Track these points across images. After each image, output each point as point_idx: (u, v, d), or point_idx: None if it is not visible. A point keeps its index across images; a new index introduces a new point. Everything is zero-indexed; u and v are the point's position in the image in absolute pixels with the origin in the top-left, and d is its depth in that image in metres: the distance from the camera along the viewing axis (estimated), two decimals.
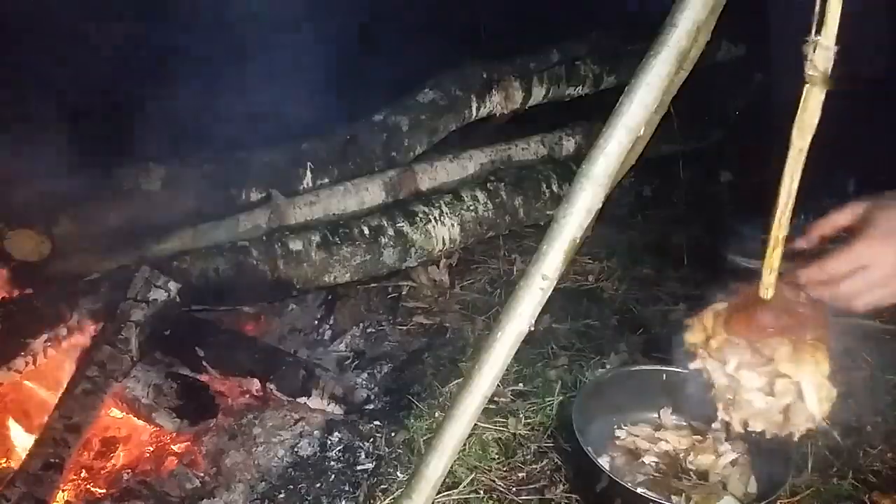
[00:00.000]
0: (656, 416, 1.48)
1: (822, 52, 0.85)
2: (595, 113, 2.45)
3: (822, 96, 0.87)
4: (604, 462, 1.34)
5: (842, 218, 1.14)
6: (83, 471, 1.46)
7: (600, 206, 0.88)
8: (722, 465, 1.34)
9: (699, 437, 1.42)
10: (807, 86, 0.87)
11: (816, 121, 0.88)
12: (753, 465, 1.35)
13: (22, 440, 1.48)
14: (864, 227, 1.11)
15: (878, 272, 1.10)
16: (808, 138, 0.89)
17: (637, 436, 1.42)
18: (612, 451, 1.40)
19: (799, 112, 0.88)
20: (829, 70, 0.85)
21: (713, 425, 1.41)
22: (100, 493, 1.42)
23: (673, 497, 1.27)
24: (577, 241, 0.89)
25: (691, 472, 1.34)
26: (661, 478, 1.32)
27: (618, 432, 1.45)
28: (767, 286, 1.01)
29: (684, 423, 1.46)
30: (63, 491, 1.38)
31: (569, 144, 2.44)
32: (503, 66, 2.46)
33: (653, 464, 1.36)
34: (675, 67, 0.84)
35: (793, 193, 0.93)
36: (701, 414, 1.40)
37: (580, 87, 2.63)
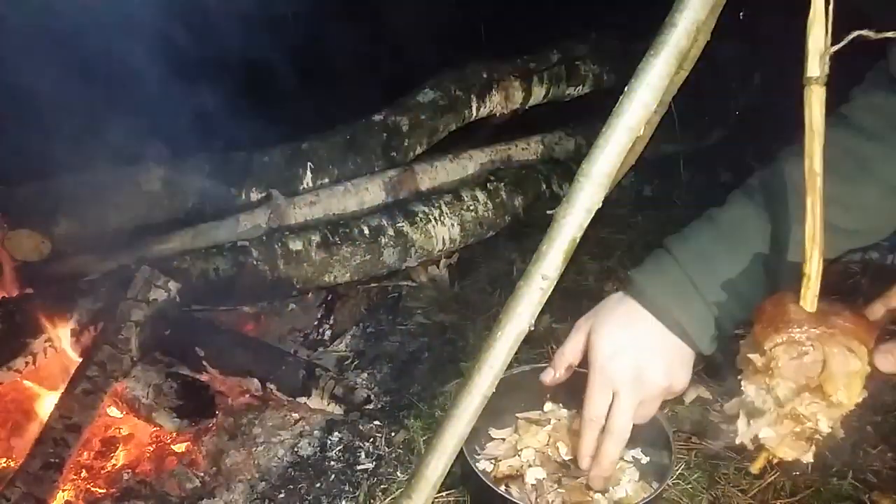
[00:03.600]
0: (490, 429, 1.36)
1: (816, 53, 0.85)
2: (595, 113, 2.45)
3: (824, 95, 0.86)
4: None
5: (570, 348, 1.20)
6: (83, 471, 1.46)
7: (600, 205, 0.88)
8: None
9: (546, 427, 1.33)
10: (808, 87, 0.86)
11: (824, 121, 0.87)
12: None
13: (22, 440, 1.48)
14: (592, 353, 1.14)
15: (627, 396, 1.12)
16: (822, 139, 0.88)
17: (497, 457, 1.31)
18: (496, 484, 1.25)
19: (808, 116, 0.87)
20: (827, 69, 0.85)
21: (546, 407, 1.36)
22: (100, 493, 1.42)
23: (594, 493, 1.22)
24: (577, 241, 0.89)
25: (571, 464, 1.27)
26: (564, 486, 1.24)
27: (480, 465, 1.28)
28: (812, 297, 0.92)
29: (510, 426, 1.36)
30: (63, 491, 1.38)
31: (569, 144, 2.44)
32: (503, 66, 2.46)
33: (539, 479, 1.26)
34: (675, 67, 0.84)
35: (820, 197, 0.90)
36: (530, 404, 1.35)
37: (580, 87, 2.63)
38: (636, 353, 1.12)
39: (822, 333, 0.91)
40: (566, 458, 1.30)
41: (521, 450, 1.31)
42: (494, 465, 1.30)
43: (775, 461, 0.99)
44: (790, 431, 0.95)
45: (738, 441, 0.99)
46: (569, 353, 1.21)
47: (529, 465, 1.28)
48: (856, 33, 0.81)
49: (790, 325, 0.92)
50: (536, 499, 1.23)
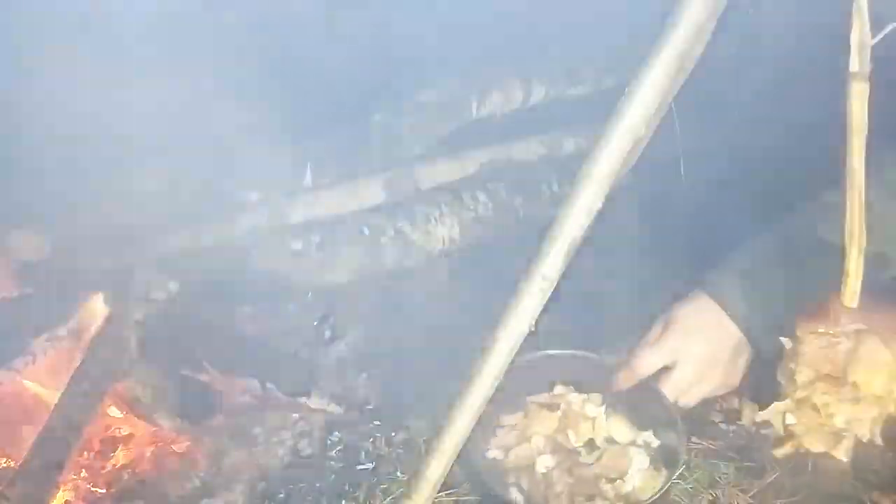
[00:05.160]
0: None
1: (857, 46, 0.84)
2: (595, 113, 2.44)
3: (866, 92, 0.85)
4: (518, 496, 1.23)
5: (656, 330, 1.24)
6: (83, 471, 1.46)
7: (600, 206, 0.88)
8: (600, 422, 1.32)
9: (555, 413, 1.35)
10: (852, 84, 0.85)
11: (867, 117, 0.86)
12: (616, 409, 1.35)
13: (22, 440, 1.48)
14: (668, 326, 1.21)
15: (687, 369, 1.19)
16: (864, 136, 0.87)
17: (508, 447, 1.32)
18: (506, 477, 1.27)
19: (849, 112, 0.86)
20: (869, 64, 0.84)
21: (556, 389, 1.38)
22: (100, 493, 1.42)
23: (603, 484, 1.24)
24: (578, 241, 0.89)
25: (582, 450, 1.30)
26: (574, 475, 1.25)
27: (489, 454, 1.32)
28: (851, 294, 0.93)
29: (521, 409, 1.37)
30: (63, 491, 1.38)
31: (569, 144, 2.44)
32: (503, 66, 2.46)
33: (548, 468, 1.27)
34: (676, 67, 0.84)
35: (861, 195, 0.89)
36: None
37: (580, 87, 2.63)
38: (709, 344, 1.18)
39: (858, 329, 0.92)
40: (577, 445, 1.31)
41: (531, 437, 1.31)
42: (504, 455, 1.31)
43: (802, 450, 1.00)
44: (814, 422, 0.96)
45: (762, 418, 1.00)
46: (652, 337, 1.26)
47: (539, 454, 1.29)
48: (892, 25, 0.80)
49: (827, 318, 0.94)
50: (545, 489, 1.23)
